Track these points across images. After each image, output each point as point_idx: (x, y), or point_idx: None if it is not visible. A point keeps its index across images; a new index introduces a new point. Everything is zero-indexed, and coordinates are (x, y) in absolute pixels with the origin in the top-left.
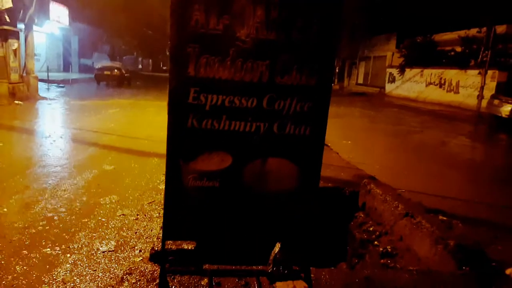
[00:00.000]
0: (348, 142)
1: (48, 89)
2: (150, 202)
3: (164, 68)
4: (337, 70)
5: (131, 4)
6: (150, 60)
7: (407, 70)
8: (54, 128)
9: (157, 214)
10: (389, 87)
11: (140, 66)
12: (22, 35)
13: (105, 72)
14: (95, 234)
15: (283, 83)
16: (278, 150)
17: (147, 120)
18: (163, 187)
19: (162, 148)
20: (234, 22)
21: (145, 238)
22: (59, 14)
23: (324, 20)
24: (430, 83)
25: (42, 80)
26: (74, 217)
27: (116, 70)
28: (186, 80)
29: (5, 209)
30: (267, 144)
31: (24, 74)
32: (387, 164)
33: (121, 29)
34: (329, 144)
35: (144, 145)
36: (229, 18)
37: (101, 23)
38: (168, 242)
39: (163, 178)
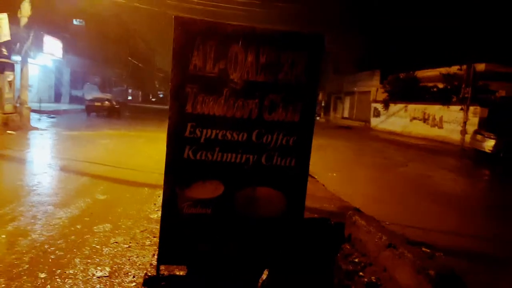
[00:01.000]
0: (334, 174)
1: (39, 119)
2: (142, 231)
3: (153, 99)
4: (323, 104)
5: (122, 37)
6: (140, 92)
7: (391, 105)
8: (46, 158)
9: (149, 242)
10: (374, 121)
11: (129, 97)
12: (17, 67)
13: (96, 103)
14: (90, 261)
15: (270, 119)
16: (266, 180)
17: (136, 151)
18: (155, 216)
19: (152, 178)
20: (228, 67)
21: (138, 265)
22: (53, 47)
23: (306, 65)
24: (414, 118)
25: (34, 111)
26: (69, 244)
27: (106, 102)
28: (184, 116)
29: (3, 236)
30: (256, 174)
31: (18, 105)
32: (372, 196)
33: (112, 61)
34: (315, 176)
35: (135, 175)
36: (223, 63)
37: (93, 56)
38: (161, 268)
39: (154, 207)
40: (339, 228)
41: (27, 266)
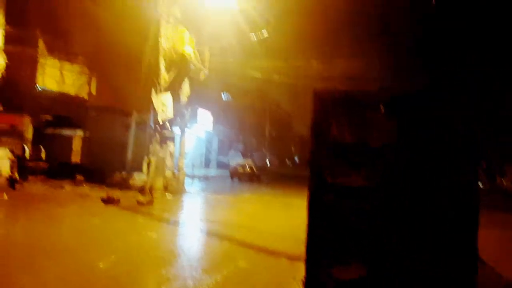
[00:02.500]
0: None
1: (192, 183)
2: None
3: (289, 164)
4: (484, 167)
5: (261, 107)
6: (277, 156)
7: None
8: (196, 221)
9: None
10: None
11: (268, 163)
12: (176, 138)
13: (238, 169)
14: None
15: (420, 190)
16: (417, 262)
17: (273, 216)
18: None
19: (289, 246)
20: (367, 134)
21: None
22: (205, 119)
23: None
24: None
25: (187, 176)
26: None
27: (247, 167)
28: (323, 186)
29: None
30: (404, 253)
31: (176, 171)
32: None
33: (253, 129)
34: (487, 261)
35: (272, 241)
36: (362, 130)
37: (237, 125)
38: None
39: (293, 282)
40: None
41: None
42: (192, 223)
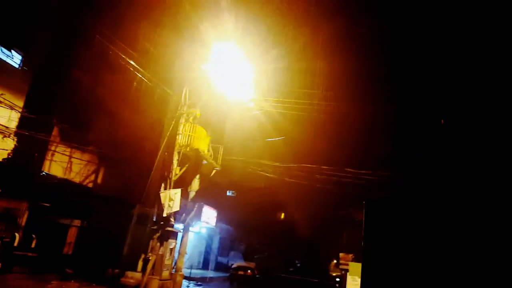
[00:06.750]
0: None
1: (188, 286)
2: None
3: (291, 269)
4: None
5: (266, 207)
6: (278, 259)
7: None
8: None
9: None
10: None
11: (270, 266)
12: (178, 235)
13: (239, 272)
14: None
15: None
16: None
17: None
18: None
19: None
20: None
21: None
22: (209, 216)
23: None
24: None
25: (184, 277)
26: None
27: (249, 271)
28: None
29: None
30: None
31: (174, 272)
32: None
33: (256, 229)
34: None
35: None
36: None
37: (240, 224)
38: None
39: None
40: None
41: None
42: None
